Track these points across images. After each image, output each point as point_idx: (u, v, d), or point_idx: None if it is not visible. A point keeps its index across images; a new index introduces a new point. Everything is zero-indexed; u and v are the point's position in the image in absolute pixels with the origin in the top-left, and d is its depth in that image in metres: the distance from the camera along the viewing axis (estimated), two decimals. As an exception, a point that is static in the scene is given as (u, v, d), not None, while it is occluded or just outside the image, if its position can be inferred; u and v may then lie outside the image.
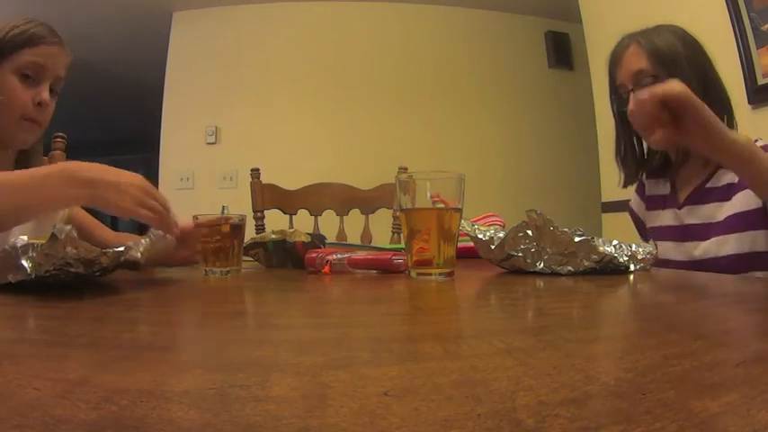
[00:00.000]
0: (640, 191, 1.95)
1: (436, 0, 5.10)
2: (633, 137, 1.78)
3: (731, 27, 2.68)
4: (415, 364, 0.43)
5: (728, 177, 1.55)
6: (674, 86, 1.20)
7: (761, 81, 2.58)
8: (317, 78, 4.96)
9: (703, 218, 1.60)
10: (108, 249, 1.00)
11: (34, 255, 0.88)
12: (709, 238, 1.55)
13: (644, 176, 1.91)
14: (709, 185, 1.59)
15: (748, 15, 2.61)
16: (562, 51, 5.27)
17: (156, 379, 0.38)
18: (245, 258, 1.69)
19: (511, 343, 0.49)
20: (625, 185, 1.85)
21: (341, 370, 0.40)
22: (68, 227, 0.89)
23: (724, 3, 2.71)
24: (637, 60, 1.63)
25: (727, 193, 1.54)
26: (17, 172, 1.24)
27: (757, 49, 2.60)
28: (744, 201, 1.48)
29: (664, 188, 1.82)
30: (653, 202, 1.87)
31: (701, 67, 1.58)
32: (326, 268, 1.31)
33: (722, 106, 1.57)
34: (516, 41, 5.29)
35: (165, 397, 0.34)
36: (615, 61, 1.72)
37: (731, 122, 1.59)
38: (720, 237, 1.52)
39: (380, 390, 0.34)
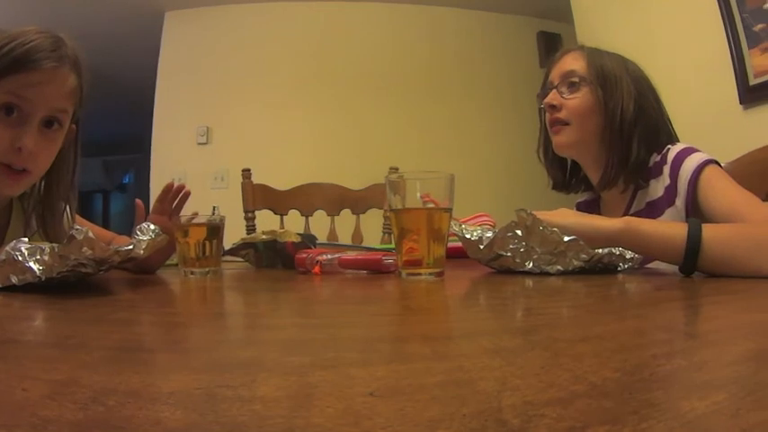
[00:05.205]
0: None
1: (428, 0, 5.10)
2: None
3: (723, 27, 2.69)
4: (402, 364, 0.43)
5: (648, 195, 1.54)
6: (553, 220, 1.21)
7: (752, 81, 2.59)
8: (308, 78, 4.97)
9: None
10: (120, 248, 1.02)
11: (45, 257, 0.89)
12: None
13: (575, 208, 1.89)
14: (633, 211, 1.57)
15: (740, 15, 2.62)
16: (554, 52, 5.26)
17: (143, 380, 0.38)
18: (235, 259, 1.69)
19: (498, 343, 0.49)
20: (554, 188, 1.83)
21: (328, 370, 0.40)
22: (86, 228, 0.90)
23: (716, 3, 2.71)
24: (573, 62, 1.63)
25: (650, 212, 1.51)
26: None
27: (749, 49, 2.61)
28: (669, 218, 1.44)
29: None
30: None
31: (637, 99, 1.53)
32: (317, 269, 1.31)
33: (650, 142, 1.54)
34: (508, 42, 5.31)
35: (152, 397, 0.34)
36: (554, 60, 1.73)
37: (658, 155, 1.53)
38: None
39: (366, 390, 0.34)
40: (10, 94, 1.21)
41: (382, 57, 5.07)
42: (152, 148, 4.98)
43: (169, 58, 5.03)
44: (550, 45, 5.24)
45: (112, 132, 7.68)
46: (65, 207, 1.44)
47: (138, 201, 1.50)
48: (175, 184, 1.51)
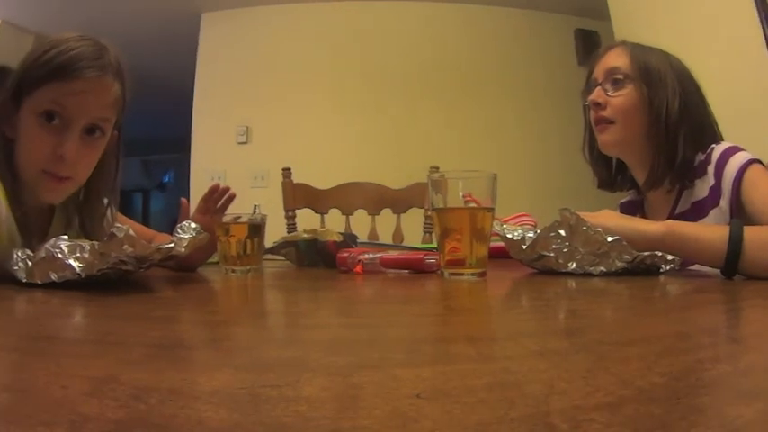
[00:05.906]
0: None
1: (466, -1, 5.09)
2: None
3: (758, 22, 2.63)
4: (447, 365, 0.42)
5: (693, 195, 1.50)
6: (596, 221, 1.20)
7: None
8: (346, 78, 4.97)
9: None
10: (161, 246, 1.02)
11: (86, 255, 0.90)
12: None
13: (618, 209, 1.84)
14: (678, 212, 1.53)
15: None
16: (592, 49, 5.20)
17: (185, 378, 0.38)
18: (276, 257, 1.69)
19: (544, 345, 0.49)
20: (599, 187, 1.79)
21: (373, 371, 0.40)
22: (127, 226, 0.91)
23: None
24: (616, 58, 1.58)
25: (695, 213, 1.47)
26: None
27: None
28: (714, 219, 1.41)
29: None
30: None
31: (682, 96, 1.49)
32: (358, 268, 1.31)
33: (696, 141, 1.49)
34: (546, 40, 5.25)
35: (195, 396, 0.34)
36: (597, 57, 1.67)
37: (703, 155, 1.49)
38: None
39: (413, 392, 0.34)
40: (52, 103, 1.20)
41: (420, 56, 5.04)
42: (192, 147, 5.02)
43: (207, 59, 5.06)
44: (588, 43, 5.18)
45: (152, 132, 7.76)
46: (105, 211, 1.45)
47: (182, 199, 1.50)
48: (220, 185, 1.52)
